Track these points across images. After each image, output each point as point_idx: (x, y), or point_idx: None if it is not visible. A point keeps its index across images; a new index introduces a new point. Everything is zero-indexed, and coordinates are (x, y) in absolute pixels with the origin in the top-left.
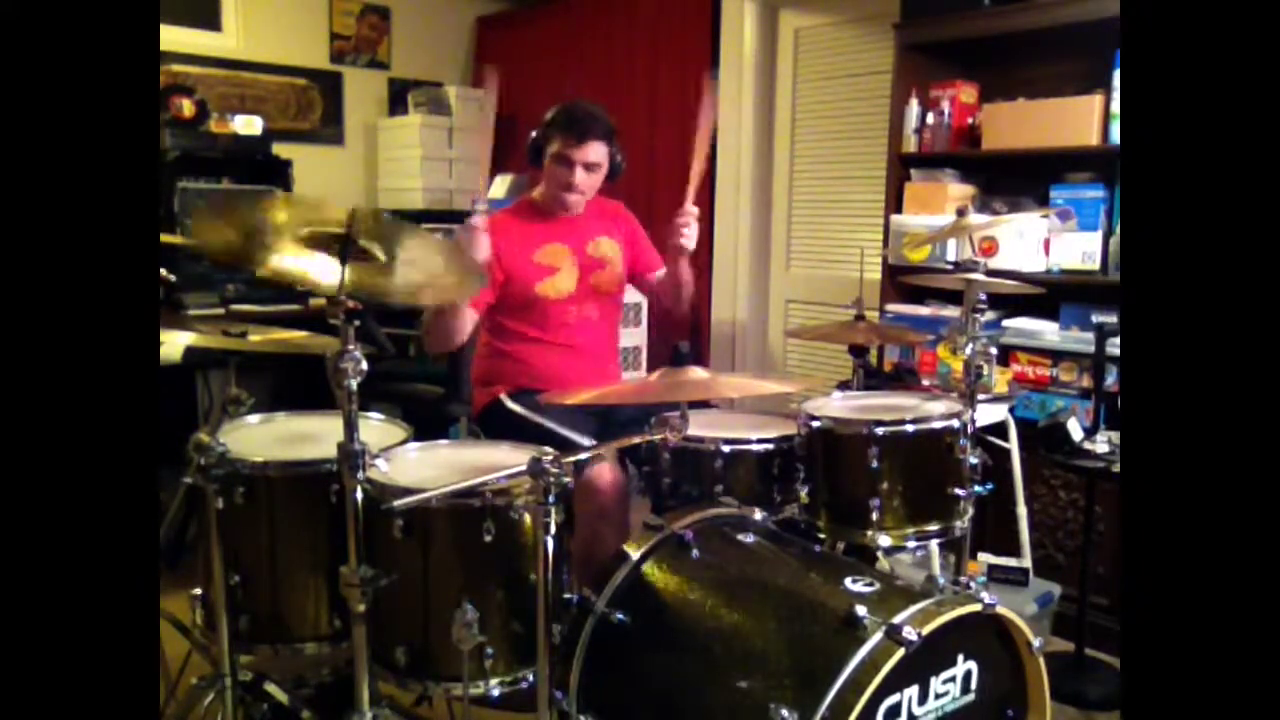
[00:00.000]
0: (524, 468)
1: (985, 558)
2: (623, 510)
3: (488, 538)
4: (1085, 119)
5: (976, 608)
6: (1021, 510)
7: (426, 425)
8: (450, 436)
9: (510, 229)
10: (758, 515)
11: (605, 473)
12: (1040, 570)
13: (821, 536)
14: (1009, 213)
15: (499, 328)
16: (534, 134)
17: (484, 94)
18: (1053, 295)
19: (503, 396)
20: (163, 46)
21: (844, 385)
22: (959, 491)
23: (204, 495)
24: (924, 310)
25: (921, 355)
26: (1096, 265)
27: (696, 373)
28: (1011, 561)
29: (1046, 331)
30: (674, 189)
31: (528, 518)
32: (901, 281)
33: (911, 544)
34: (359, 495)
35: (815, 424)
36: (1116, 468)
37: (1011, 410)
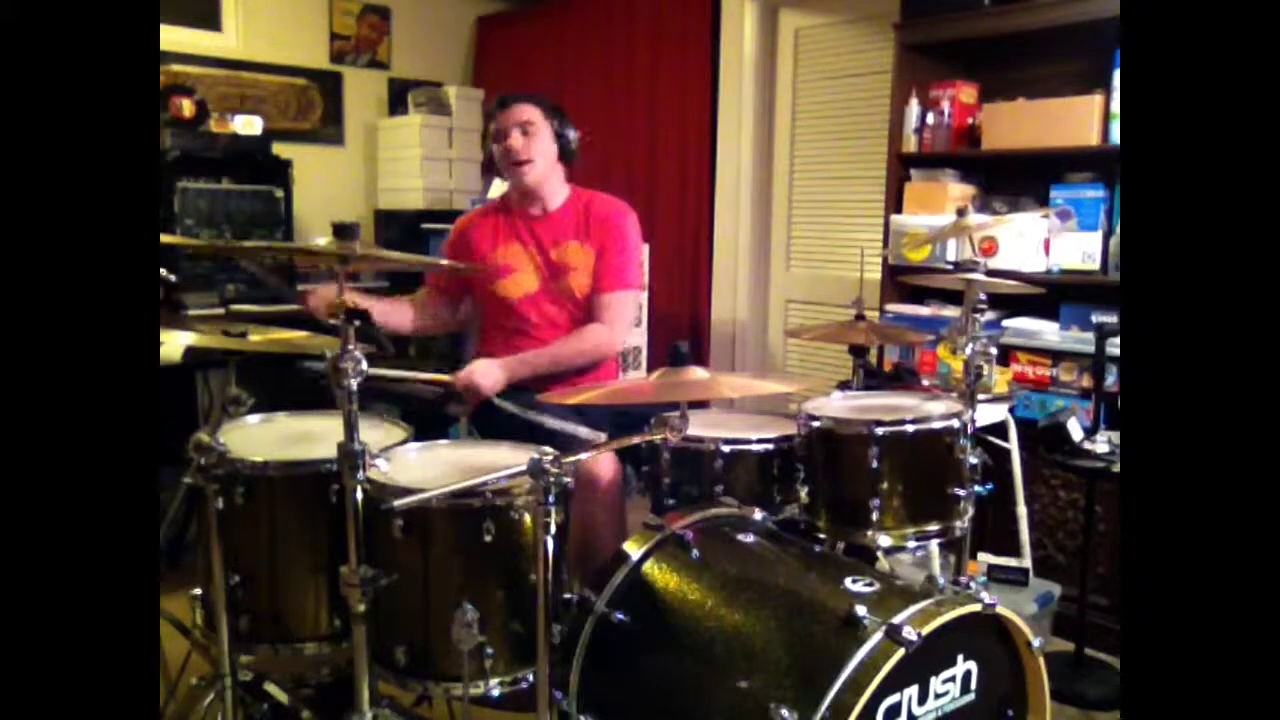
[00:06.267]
0: (524, 468)
1: (985, 558)
2: (619, 500)
3: (488, 538)
4: (1085, 119)
5: (976, 608)
6: (1021, 510)
7: (426, 425)
8: (450, 436)
9: (480, 227)
10: (758, 515)
11: (602, 463)
12: (1040, 570)
13: (821, 536)
14: (1009, 213)
15: (482, 326)
16: (484, 149)
17: None
18: (1053, 295)
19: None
20: (163, 46)
21: (844, 385)
22: (959, 491)
23: (204, 495)
24: (924, 310)
25: (921, 355)
26: (1096, 265)
27: (696, 373)
28: (1011, 561)
29: (1046, 331)
30: (674, 189)
31: (528, 518)
32: (901, 281)
33: (911, 544)
34: (359, 495)
35: (815, 424)
36: (1116, 468)
37: (1011, 410)
